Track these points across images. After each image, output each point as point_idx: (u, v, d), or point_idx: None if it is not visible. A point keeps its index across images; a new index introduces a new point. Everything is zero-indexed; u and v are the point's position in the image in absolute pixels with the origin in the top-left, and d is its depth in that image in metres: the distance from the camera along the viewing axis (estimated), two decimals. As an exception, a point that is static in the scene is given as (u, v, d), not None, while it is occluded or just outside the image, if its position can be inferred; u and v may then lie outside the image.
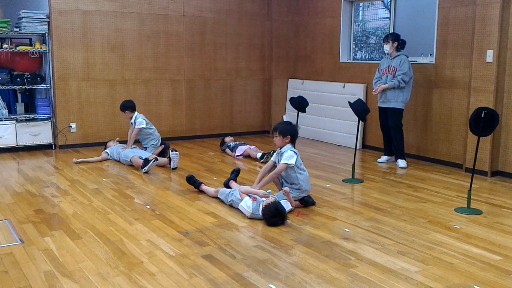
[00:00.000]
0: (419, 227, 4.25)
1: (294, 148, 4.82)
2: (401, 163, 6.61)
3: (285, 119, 8.93)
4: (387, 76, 6.61)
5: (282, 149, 4.78)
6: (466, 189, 4.91)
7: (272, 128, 4.79)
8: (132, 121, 6.92)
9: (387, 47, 6.61)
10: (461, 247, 3.82)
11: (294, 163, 4.69)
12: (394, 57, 6.56)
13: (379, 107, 6.79)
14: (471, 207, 4.75)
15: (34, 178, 5.88)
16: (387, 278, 3.28)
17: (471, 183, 4.83)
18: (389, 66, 6.61)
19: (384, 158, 6.91)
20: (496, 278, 3.30)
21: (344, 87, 8.09)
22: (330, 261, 3.54)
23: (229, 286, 3.15)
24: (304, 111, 6.90)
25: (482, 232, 4.16)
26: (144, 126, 6.86)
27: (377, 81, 6.79)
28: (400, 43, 6.58)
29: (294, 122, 5.46)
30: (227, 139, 7.59)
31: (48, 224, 4.29)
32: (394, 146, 6.78)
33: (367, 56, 8.67)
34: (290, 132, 4.80)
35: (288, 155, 4.69)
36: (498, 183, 5.84)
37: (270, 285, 3.16)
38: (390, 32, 7.23)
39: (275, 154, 4.94)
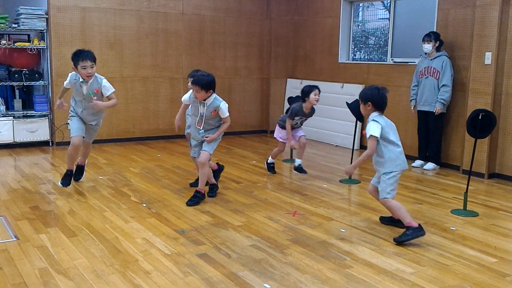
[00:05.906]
0: (415, 228, 4.24)
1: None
2: (429, 165, 6.50)
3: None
4: (427, 78, 6.37)
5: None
6: (463, 191, 4.91)
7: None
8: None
9: (428, 47, 6.30)
10: (456, 249, 3.82)
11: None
12: (434, 58, 6.32)
13: (419, 110, 6.57)
14: (467, 209, 4.75)
15: (30, 175, 5.86)
16: (382, 279, 3.28)
17: (468, 185, 4.83)
18: (428, 67, 6.36)
19: (418, 162, 6.70)
20: (491, 280, 3.30)
21: (342, 87, 8.09)
22: (325, 261, 3.54)
23: (224, 285, 3.14)
24: (302, 111, 6.88)
25: (478, 234, 4.17)
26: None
27: (413, 99, 6.55)
28: (440, 43, 6.35)
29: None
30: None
31: (44, 221, 4.28)
32: (428, 148, 6.61)
33: (366, 57, 8.67)
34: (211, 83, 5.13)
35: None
36: (495, 185, 5.84)
37: (265, 285, 3.16)
38: (432, 31, 6.47)
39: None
